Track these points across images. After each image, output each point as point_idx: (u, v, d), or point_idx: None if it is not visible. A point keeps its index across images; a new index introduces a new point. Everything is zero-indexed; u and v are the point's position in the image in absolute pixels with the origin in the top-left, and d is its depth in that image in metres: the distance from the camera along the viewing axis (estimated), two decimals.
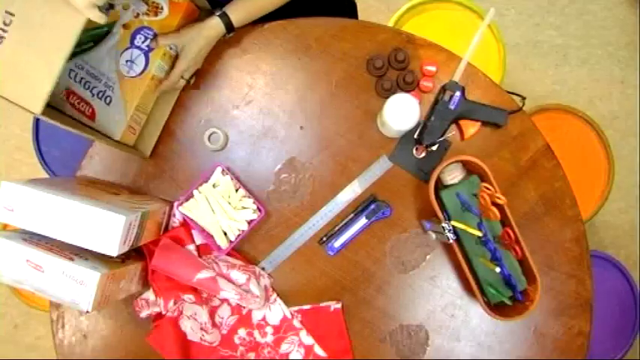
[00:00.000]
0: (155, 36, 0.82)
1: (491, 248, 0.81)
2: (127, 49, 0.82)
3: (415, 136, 0.88)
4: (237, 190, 0.86)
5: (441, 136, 0.86)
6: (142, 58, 0.83)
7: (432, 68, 0.89)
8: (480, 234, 0.80)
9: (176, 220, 0.88)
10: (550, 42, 1.72)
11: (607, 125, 1.66)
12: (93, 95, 0.82)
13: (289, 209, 0.89)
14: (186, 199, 0.86)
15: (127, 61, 0.82)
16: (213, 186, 0.86)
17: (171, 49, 0.84)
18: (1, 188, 0.69)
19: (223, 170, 0.86)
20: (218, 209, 0.84)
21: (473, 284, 0.80)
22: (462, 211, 0.82)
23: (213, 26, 0.82)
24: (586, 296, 0.87)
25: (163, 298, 0.84)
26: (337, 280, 0.88)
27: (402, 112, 0.81)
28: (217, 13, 0.82)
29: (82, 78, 0.82)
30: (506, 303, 0.81)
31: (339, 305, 0.87)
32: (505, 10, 1.74)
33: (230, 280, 0.83)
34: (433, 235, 0.84)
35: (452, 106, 0.85)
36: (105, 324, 0.89)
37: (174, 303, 0.85)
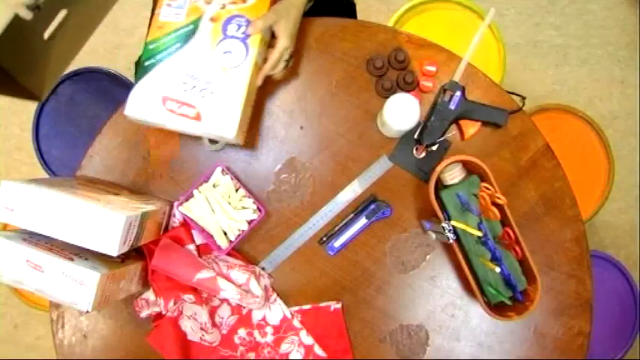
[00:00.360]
0: (249, 22, 0.79)
1: (491, 248, 0.81)
2: (221, 41, 0.80)
3: (415, 136, 0.88)
4: (237, 190, 0.86)
5: (441, 136, 0.86)
6: (241, 46, 0.79)
7: (432, 68, 0.89)
8: (480, 234, 0.80)
9: (176, 220, 0.88)
10: (550, 42, 1.72)
11: (607, 125, 1.66)
12: (194, 95, 0.79)
13: (289, 209, 0.89)
14: (186, 199, 0.86)
15: (224, 53, 0.79)
16: (214, 186, 0.86)
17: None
18: (1, 188, 0.69)
19: (223, 170, 0.86)
20: (218, 209, 0.84)
21: (473, 284, 0.80)
22: (462, 211, 0.82)
23: None
24: (586, 296, 0.87)
25: (163, 298, 0.84)
26: (337, 280, 0.88)
27: (402, 112, 0.81)
28: None
29: (177, 80, 0.79)
30: (506, 303, 0.81)
31: (339, 305, 0.87)
32: (505, 10, 1.74)
33: (230, 280, 0.83)
34: (433, 235, 0.84)
35: (452, 106, 0.85)
36: (105, 324, 0.89)
37: (175, 303, 0.85)
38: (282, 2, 0.78)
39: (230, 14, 0.80)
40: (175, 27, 0.81)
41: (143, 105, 0.79)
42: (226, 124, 0.78)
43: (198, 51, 0.80)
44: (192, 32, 0.81)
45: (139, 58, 0.83)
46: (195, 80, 0.79)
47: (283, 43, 0.77)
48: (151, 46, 0.81)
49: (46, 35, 0.70)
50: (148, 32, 0.82)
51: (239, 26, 0.79)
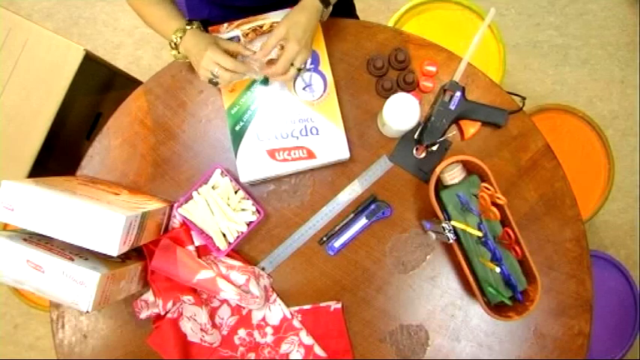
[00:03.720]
0: (313, 53, 0.82)
1: (491, 248, 0.81)
2: (295, 78, 0.84)
3: (415, 136, 0.88)
4: (236, 192, 0.86)
5: (441, 136, 0.86)
6: (316, 76, 0.84)
7: (432, 68, 0.89)
8: (480, 234, 0.80)
9: (176, 221, 0.88)
10: (550, 42, 1.72)
11: (607, 125, 1.66)
12: (298, 138, 0.83)
13: (289, 209, 0.89)
14: (186, 201, 0.86)
15: (304, 88, 0.83)
16: (213, 187, 0.86)
17: None
18: (2, 187, 0.69)
19: (223, 172, 0.86)
20: (217, 211, 0.84)
21: (473, 284, 0.80)
22: (462, 211, 0.82)
23: (307, 3, 0.76)
24: (586, 296, 0.87)
25: (163, 299, 0.84)
26: (337, 280, 0.88)
27: (402, 112, 0.81)
28: None
29: (274, 132, 0.83)
30: (506, 303, 0.81)
31: (339, 305, 0.87)
32: (505, 10, 1.74)
33: (230, 281, 0.83)
34: (433, 235, 0.84)
35: (452, 106, 0.85)
36: (105, 324, 0.89)
37: (174, 304, 0.85)
38: (292, 11, 0.77)
39: None
40: (246, 84, 0.84)
41: (254, 167, 0.83)
42: (339, 149, 0.83)
43: (279, 98, 0.83)
44: (265, 82, 0.84)
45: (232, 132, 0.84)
46: (291, 125, 0.83)
47: (291, 47, 0.74)
48: (232, 111, 0.84)
49: None
50: (223, 100, 0.85)
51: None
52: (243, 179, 0.83)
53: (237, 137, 0.83)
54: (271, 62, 0.77)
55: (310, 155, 0.82)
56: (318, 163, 0.83)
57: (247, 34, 0.85)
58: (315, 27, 0.78)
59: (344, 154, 0.83)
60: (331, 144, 0.83)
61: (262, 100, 0.84)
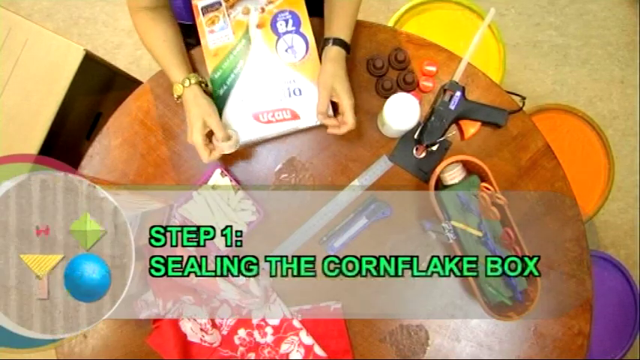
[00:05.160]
0: (293, 14, 0.82)
1: (491, 248, 0.81)
2: (277, 41, 0.83)
3: (415, 136, 0.88)
4: (236, 192, 0.86)
5: (441, 136, 0.86)
6: (298, 38, 0.83)
7: (432, 68, 0.89)
8: (480, 234, 0.80)
9: (176, 221, 0.88)
10: (550, 42, 1.72)
11: (607, 125, 1.66)
12: (281, 100, 0.82)
13: (289, 209, 0.89)
14: (186, 201, 0.86)
15: (286, 51, 0.82)
16: (213, 187, 0.86)
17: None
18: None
19: (222, 172, 0.86)
20: (217, 211, 0.84)
21: (473, 284, 0.80)
22: (462, 211, 0.82)
23: (336, 55, 0.80)
24: (586, 296, 0.87)
25: (162, 299, 0.84)
26: (337, 280, 0.88)
27: (402, 112, 0.81)
28: (330, 43, 0.80)
29: (258, 94, 0.82)
30: (506, 303, 0.81)
31: (339, 305, 0.87)
32: (505, 10, 1.74)
33: (229, 281, 0.83)
34: (433, 235, 0.84)
35: (452, 106, 0.85)
36: (105, 324, 0.89)
37: (174, 304, 0.85)
38: (325, 64, 0.80)
39: (273, 14, 0.83)
40: (229, 48, 0.84)
41: (239, 131, 0.82)
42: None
43: (261, 60, 0.83)
44: (247, 45, 0.83)
45: (212, 92, 0.84)
46: (274, 86, 0.83)
47: (347, 102, 0.78)
48: (216, 76, 0.84)
49: None
50: (206, 64, 0.84)
51: (286, 21, 0.82)
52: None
53: (221, 102, 0.83)
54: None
55: (294, 116, 0.82)
56: (303, 125, 0.83)
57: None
58: (345, 69, 0.81)
59: (330, 113, 0.82)
60: (314, 105, 0.82)
61: (245, 64, 0.83)
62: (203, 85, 0.81)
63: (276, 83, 0.83)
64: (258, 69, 0.83)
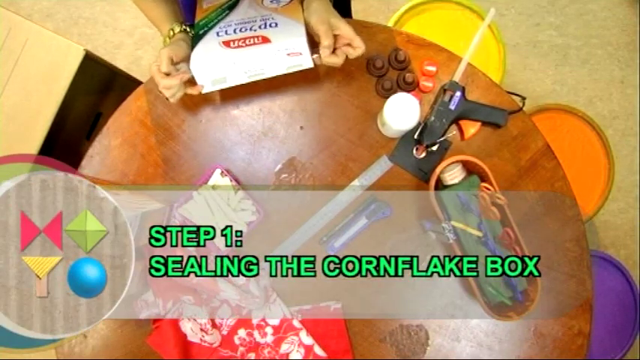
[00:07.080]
0: None
1: (491, 248, 0.81)
2: None
3: (415, 136, 0.88)
4: (236, 192, 0.86)
5: (441, 136, 0.86)
6: None
7: (432, 68, 0.89)
8: (480, 234, 0.80)
9: (176, 221, 0.88)
10: (550, 42, 1.72)
11: (607, 125, 1.66)
12: (255, 31, 0.79)
13: (289, 209, 0.89)
14: (186, 201, 0.86)
15: (272, 1, 0.82)
16: (213, 187, 0.86)
17: None
18: None
19: (222, 172, 0.86)
20: (217, 211, 0.84)
21: (473, 284, 0.80)
22: (462, 211, 0.82)
23: None
24: (586, 296, 0.87)
25: (162, 299, 0.84)
26: (337, 280, 0.88)
27: (402, 112, 0.81)
28: None
29: (234, 30, 0.80)
30: (506, 303, 0.81)
31: (339, 305, 0.87)
32: (505, 10, 1.74)
33: (229, 281, 0.83)
34: (433, 235, 0.84)
35: (452, 106, 0.85)
36: (105, 324, 0.89)
37: (174, 304, 0.85)
38: (315, 8, 0.79)
39: None
40: (219, 5, 0.84)
41: (208, 62, 0.78)
42: (296, 38, 0.77)
43: (247, 8, 0.82)
44: (237, 3, 0.83)
45: (193, 36, 0.83)
46: (251, 22, 0.80)
47: (349, 29, 0.77)
48: (201, 23, 0.82)
49: None
50: (195, 17, 0.85)
51: None
52: (200, 81, 0.79)
53: (197, 39, 0.80)
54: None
55: (265, 40, 0.78)
56: (274, 49, 0.78)
57: None
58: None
59: (300, 35, 0.78)
60: (288, 32, 0.79)
61: (230, 13, 0.83)
62: (187, 31, 0.83)
63: (255, 20, 0.81)
64: (241, 12, 0.83)
